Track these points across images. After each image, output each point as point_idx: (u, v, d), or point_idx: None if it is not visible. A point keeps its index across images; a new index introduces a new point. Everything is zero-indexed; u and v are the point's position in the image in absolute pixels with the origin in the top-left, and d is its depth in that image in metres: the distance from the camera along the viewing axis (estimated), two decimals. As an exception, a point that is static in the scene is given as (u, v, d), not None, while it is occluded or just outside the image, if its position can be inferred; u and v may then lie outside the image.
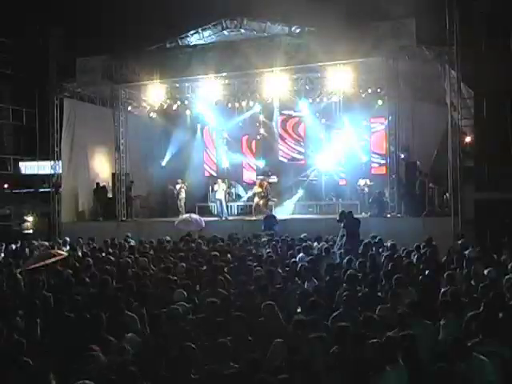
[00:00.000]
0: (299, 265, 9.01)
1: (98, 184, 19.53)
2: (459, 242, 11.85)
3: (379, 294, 7.42)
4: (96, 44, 18.16)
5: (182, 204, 19.51)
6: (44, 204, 20.94)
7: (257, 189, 18.85)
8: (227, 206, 19.21)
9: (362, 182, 18.85)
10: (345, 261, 9.32)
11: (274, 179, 19.88)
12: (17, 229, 22.43)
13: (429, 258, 9.66)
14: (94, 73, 17.73)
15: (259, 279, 8.01)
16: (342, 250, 10.75)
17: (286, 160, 21.90)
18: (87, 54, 17.93)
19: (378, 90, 17.41)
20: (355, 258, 9.47)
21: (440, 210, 16.03)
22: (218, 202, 18.81)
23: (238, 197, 20.83)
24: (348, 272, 8.04)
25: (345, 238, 11.75)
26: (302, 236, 13.35)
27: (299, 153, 21.99)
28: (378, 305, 6.62)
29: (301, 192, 20.10)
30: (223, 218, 18.41)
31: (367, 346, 4.80)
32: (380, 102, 18.06)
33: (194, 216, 15.87)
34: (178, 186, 19.51)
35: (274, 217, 15.69)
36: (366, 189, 18.42)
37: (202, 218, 15.78)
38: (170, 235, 14.01)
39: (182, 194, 19.53)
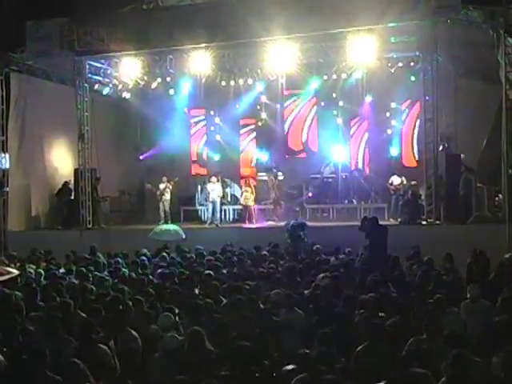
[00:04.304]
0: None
1: (66, 183, 19.44)
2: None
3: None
4: (52, 3, 17.99)
5: (167, 208, 19.54)
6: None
7: (244, 188, 19.31)
8: (221, 211, 19.36)
9: (396, 181, 18.76)
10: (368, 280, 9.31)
11: (281, 176, 19.88)
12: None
13: (476, 276, 9.62)
14: (50, 40, 17.51)
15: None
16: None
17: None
18: (41, 15, 17.75)
19: (412, 64, 17.37)
20: (381, 276, 9.47)
21: (491, 216, 16.07)
22: (211, 205, 18.87)
23: (234, 198, 20.79)
24: (370, 294, 8.09)
25: (367, 251, 11.81)
26: (314, 248, 13.36)
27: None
28: (411, 336, 6.61)
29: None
30: (208, 224, 18.69)
31: None
32: (413, 79, 17.95)
33: (173, 226, 16.36)
34: (161, 186, 19.54)
35: (304, 224, 15.64)
36: (402, 189, 18.35)
37: (182, 227, 16.12)
38: (148, 247, 14.02)
39: (167, 196, 19.57)
